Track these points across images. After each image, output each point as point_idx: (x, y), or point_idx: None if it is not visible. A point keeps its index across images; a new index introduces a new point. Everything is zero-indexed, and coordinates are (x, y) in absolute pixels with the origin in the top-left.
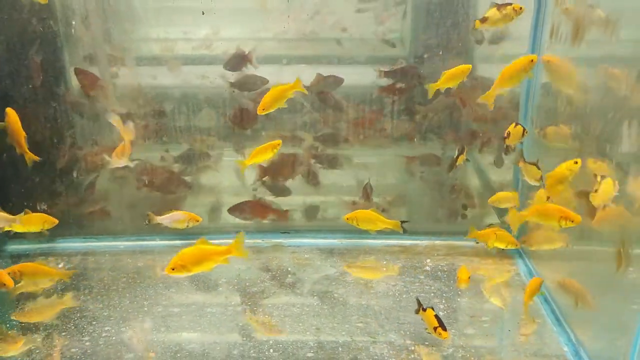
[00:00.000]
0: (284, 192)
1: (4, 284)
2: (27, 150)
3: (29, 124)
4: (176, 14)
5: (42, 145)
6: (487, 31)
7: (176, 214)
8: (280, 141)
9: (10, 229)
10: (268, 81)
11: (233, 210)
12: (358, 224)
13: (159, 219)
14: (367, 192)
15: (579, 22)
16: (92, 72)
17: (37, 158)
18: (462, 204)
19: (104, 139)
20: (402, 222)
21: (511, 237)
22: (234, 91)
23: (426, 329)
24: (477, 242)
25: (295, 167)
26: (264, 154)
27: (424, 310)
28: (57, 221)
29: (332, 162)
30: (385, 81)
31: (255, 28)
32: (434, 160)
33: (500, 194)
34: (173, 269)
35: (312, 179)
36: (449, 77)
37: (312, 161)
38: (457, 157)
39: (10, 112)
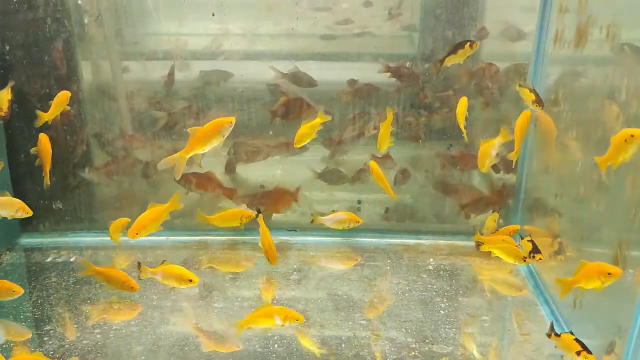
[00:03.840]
0: (341, 179)
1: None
2: (47, 174)
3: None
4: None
5: (57, 141)
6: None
7: (339, 215)
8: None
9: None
10: (316, 81)
11: (180, 179)
12: None
13: (323, 219)
14: (404, 175)
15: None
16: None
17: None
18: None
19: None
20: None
21: (517, 250)
22: (242, 91)
23: (563, 356)
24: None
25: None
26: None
27: (558, 335)
28: (253, 214)
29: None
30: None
31: (264, 24)
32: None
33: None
34: None
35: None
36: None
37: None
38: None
39: (42, 138)
